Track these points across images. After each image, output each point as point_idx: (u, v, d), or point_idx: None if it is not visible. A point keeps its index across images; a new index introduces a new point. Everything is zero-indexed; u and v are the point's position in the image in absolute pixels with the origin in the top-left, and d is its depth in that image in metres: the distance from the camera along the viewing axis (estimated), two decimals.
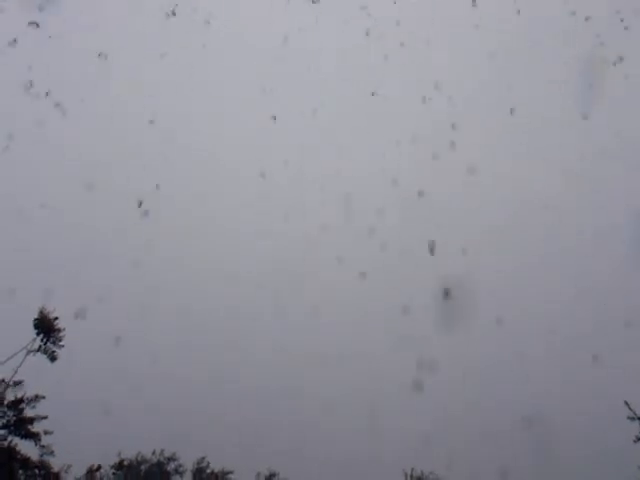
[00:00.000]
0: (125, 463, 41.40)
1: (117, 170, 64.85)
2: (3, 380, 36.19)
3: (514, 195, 67.39)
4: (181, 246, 62.86)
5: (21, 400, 36.04)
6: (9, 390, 36.02)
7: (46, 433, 35.41)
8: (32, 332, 36.35)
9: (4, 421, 35.90)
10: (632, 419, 34.96)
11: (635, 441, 35.13)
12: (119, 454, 40.30)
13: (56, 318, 37.22)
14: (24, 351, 36.91)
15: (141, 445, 45.48)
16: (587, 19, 58.41)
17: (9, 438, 35.49)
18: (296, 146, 67.44)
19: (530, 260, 65.70)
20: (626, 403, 34.87)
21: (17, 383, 35.97)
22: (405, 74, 67.62)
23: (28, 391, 35.95)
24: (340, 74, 69.08)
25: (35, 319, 37.16)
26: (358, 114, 68.51)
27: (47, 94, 54.25)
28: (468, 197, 65.36)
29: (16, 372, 36.20)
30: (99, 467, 38.21)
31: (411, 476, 47.00)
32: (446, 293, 50.04)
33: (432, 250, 51.00)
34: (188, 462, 46.55)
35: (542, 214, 65.22)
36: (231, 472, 46.45)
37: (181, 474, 46.67)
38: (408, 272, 61.02)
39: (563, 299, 62.24)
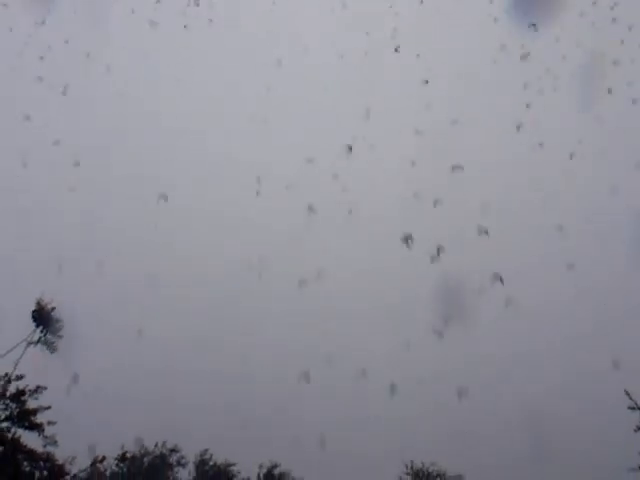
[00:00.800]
0: (128, 455, 41.35)
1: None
2: (6, 374, 36.31)
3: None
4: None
5: (23, 392, 36.08)
6: (11, 383, 36.16)
7: (49, 423, 35.58)
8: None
9: (7, 413, 35.98)
10: (632, 409, 34.93)
11: (635, 430, 35.24)
12: (122, 446, 40.29)
13: (54, 308, 37.30)
14: (24, 343, 37.44)
15: (144, 437, 45.60)
16: None
17: (13, 430, 35.70)
18: None
19: (531, 260, 65.81)
20: (627, 393, 34.79)
21: (19, 377, 36.06)
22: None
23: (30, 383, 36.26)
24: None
25: (33, 310, 37.23)
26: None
27: None
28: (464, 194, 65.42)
29: (17, 364, 36.39)
30: (103, 458, 38.07)
31: (411, 468, 47.05)
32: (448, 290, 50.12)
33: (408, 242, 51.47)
34: (190, 454, 46.65)
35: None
36: (234, 464, 46.53)
37: (184, 466, 46.68)
38: (408, 272, 61.14)
39: (564, 299, 62.36)
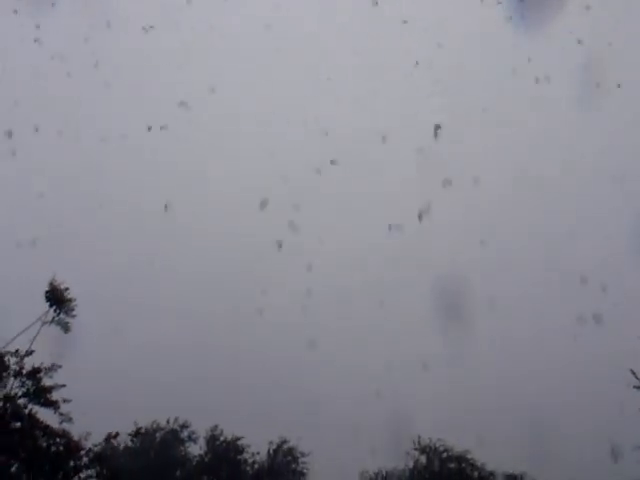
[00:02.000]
0: (141, 431, 42.20)
1: None
2: (17, 351, 36.94)
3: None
4: None
5: (39, 369, 36.81)
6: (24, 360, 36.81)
7: (65, 401, 36.39)
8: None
9: (24, 390, 36.78)
10: (638, 388, 35.39)
11: None
12: (135, 422, 41.14)
13: (67, 289, 37.94)
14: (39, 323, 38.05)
15: (156, 413, 46.37)
16: None
17: (29, 406, 36.53)
18: None
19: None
20: (632, 372, 35.23)
21: (29, 353, 36.73)
22: None
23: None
24: None
25: (46, 291, 37.85)
26: None
27: None
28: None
29: (32, 343, 37.09)
30: (117, 434, 39.17)
31: (418, 443, 47.79)
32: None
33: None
34: (201, 430, 47.51)
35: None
36: (242, 437, 47.40)
37: (195, 441, 47.59)
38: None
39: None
